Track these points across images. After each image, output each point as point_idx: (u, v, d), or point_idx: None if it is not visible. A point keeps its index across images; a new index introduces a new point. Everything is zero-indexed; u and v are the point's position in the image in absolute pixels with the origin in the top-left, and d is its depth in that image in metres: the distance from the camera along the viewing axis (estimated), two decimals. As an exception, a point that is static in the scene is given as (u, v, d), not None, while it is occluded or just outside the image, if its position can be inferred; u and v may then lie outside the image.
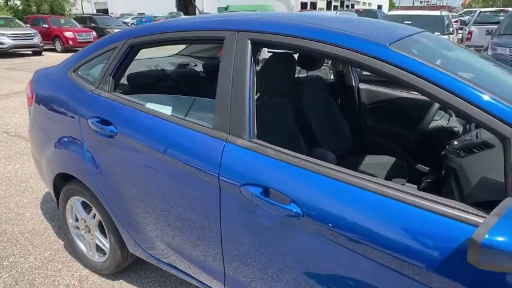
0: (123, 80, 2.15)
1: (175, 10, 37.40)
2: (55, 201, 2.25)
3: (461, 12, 27.57)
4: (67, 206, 2.11)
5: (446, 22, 8.15)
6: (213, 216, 1.36)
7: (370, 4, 56.97)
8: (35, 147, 2.25)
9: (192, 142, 1.39)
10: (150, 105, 1.61)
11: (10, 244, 2.35)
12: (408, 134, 2.21)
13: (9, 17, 14.46)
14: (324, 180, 1.11)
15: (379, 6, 55.99)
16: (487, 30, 7.92)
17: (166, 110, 1.55)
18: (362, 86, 2.47)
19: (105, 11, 37.63)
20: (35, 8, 18.89)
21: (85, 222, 2.04)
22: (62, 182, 2.06)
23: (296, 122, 1.93)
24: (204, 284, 1.59)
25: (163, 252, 1.68)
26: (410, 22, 8.20)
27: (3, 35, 12.10)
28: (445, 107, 1.00)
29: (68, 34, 13.77)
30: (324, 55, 1.20)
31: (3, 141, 4.30)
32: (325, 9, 41.34)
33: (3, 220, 2.62)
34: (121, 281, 2.04)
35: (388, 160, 2.11)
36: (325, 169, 1.12)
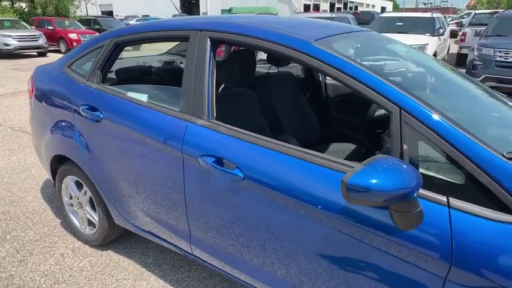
0: (113, 74, 2.43)
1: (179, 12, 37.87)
2: (54, 186, 2.53)
3: (462, 14, 27.71)
4: (62, 186, 2.40)
5: (437, 24, 8.38)
6: (179, 184, 1.63)
7: (373, 6, 57.01)
8: (35, 135, 2.53)
9: (163, 123, 1.66)
10: (131, 94, 1.89)
11: (13, 222, 2.64)
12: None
13: (15, 19, 14.90)
14: (259, 149, 1.37)
15: (383, 8, 56.04)
16: (476, 32, 8.14)
17: (144, 97, 1.83)
18: (329, 81, 2.73)
19: (110, 13, 38.20)
20: (40, 10, 19.35)
21: (78, 199, 2.32)
22: (58, 164, 2.35)
23: (265, 113, 2.19)
24: (182, 249, 1.84)
25: (145, 222, 1.95)
26: (402, 23, 8.46)
27: (9, 36, 12.51)
28: (352, 90, 1.25)
29: (72, 36, 14.16)
30: (264, 50, 1.47)
31: (7, 135, 4.61)
32: (328, 11, 41.61)
33: (7, 202, 2.91)
34: (109, 251, 2.32)
35: (349, 147, 2.37)
36: (262, 141, 1.39)
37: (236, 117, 1.78)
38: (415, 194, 1.02)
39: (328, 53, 1.32)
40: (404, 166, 1.02)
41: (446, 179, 1.11)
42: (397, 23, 8.47)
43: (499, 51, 6.46)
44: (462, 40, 10.88)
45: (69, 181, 2.33)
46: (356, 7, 50.80)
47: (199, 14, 34.69)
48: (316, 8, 40.77)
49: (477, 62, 6.71)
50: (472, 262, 1.02)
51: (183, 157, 1.57)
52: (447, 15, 21.46)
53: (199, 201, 1.58)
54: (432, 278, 1.09)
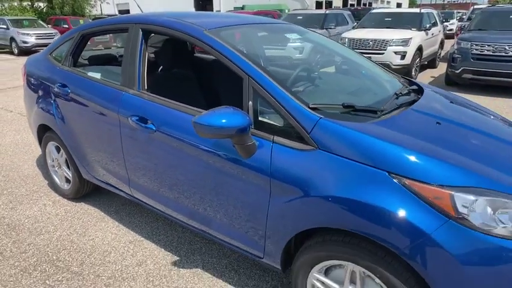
0: (87, 60, 2.99)
1: (193, 10, 38.69)
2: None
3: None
4: (46, 150, 2.97)
5: (425, 19, 8.63)
6: (118, 140, 2.16)
7: (388, 2, 56.17)
8: (26, 110, 3.12)
9: (108, 94, 2.19)
10: (90, 74, 2.43)
11: (10, 182, 3.25)
12: None
13: (34, 18, 15.88)
14: (165, 109, 1.89)
15: (399, 5, 55.11)
16: (460, 26, 8.35)
17: (98, 75, 2.37)
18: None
19: (127, 12, 39.42)
20: (58, 10, 20.41)
21: (57, 160, 2.89)
22: (43, 133, 2.92)
23: (207, 91, 2.69)
24: (126, 193, 2.37)
25: (102, 175, 2.48)
26: (390, 19, 8.77)
27: (28, 34, 13.45)
28: (227, 66, 1.72)
29: (85, 34, 14.97)
30: (173, 36, 1.98)
31: (16, 119, 5.28)
32: (341, 7, 41.39)
33: (8, 168, 3.53)
34: (81, 203, 2.88)
35: None
36: (167, 102, 1.90)
37: (171, 91, 2.29)
38: (248, 131, 1.50)
39: (213, 38, 1.81)
40: (237, 112, 1.50)
41: (274, 123, 1.59)
42: (386, 19, 8.79)
43: (476, 45, 6.73)
44: (457, 35, 11.03)
45: (50, 146, 2.91)
46: (370, 3, 50.19)
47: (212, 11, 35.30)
48: (329, 4, 40.65)
49: (456, 55, 6.99)
50: (281, 176, 1.50)
51: (119, 118, 2.10)
52: (456, 11, 21.26)
53: (130, 152, 2.11)
54: (263, 191, 1.57)
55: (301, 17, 10.21)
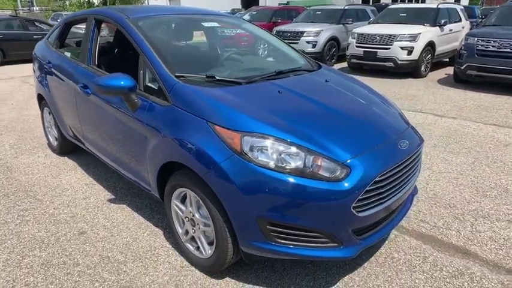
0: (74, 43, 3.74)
1: (239, 6, 39.72)
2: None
3: None
4: (43, 115, 3.79)
5: (443, 15, 8.47)
6: (75, 103, 2.84)
7: (446, -2, 52.72)
8: (34, 83, 3.96)
9: (72, 68, 2.89)
10: (66, 53, 3.15)
11: (22, 140, 4.13)
12: None
13: (87, 13, 17.71)
14: (91, 75, 2.52)
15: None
16: (473, 22, 8.09)
17: (69, 54, 3.08)
18: None
19: (177, 8, 41.43)
20: (110, 5, 22.40)
21: (50, 123, 3.69)
22: (41, 101, 3.73)
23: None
24: (83, 145, 3.06)
25: (71, 131, 3.20)
26: (405, 14, 8.74)
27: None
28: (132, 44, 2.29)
29: (130, 27, 16.39)
30: (110, 23, 2.60)
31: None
32: (391, 1, 39.85)
33: (24, 131, 4.46)
34: (65, 157, 3.65)
35: None
36: (97, 72, 2.53)
37: (120, 68, 2.92)
38: (134, 90, 2.07)
39: (128, 24, 2.40)
40: (127, 76, 2.06)
41: (153, 86, 2.13)
42: (401, 14, 8.77)
43: (481, 40, 6.60)
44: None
45: (45, 111, 3.71)
46: (424, -1, 47.49)
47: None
48: None
49: (462, 51, 6.90)
50: (151, 125, 2.05)
51: (75, 86, 2.78)
52: None
53: (81, 111, 2.79)
54: (143, 136, 2.11)
55: (320, 13, 10.45)
